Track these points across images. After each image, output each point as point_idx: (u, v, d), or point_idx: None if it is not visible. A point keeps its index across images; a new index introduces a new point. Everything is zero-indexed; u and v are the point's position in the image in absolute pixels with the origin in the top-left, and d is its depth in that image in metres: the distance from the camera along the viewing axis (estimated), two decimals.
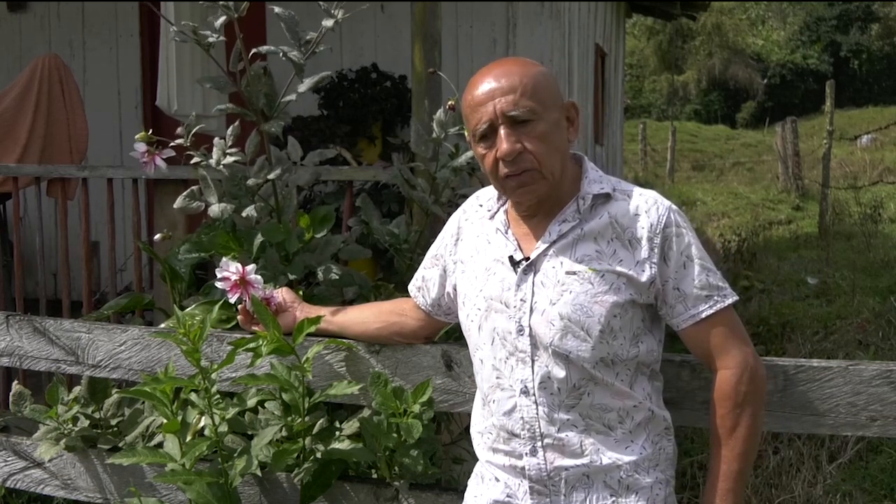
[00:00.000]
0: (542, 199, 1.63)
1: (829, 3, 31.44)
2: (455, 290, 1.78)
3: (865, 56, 30.38)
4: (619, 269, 1.57)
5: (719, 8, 29.33)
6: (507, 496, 1.65)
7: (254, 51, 2.20)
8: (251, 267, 1.95)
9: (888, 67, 30.00)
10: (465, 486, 1.78)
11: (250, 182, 2.27)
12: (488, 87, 1.58)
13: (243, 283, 1.94)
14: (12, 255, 4.52)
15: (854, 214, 11.02)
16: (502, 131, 1.57)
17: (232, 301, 1.96)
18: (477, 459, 1.75)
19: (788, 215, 12.71)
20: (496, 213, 1.71)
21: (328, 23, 2.25)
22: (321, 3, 2.29)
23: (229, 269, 1.94)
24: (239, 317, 2.04)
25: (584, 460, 1.58)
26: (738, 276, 7.96)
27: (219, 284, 1.95)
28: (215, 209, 2.25)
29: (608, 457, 1.58)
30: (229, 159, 2.26)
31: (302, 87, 2.24)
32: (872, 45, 30.46)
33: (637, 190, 1.64)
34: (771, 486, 4.21)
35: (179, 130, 2.25)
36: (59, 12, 6.55)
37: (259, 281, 1.95)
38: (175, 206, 2.31)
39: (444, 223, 1.87)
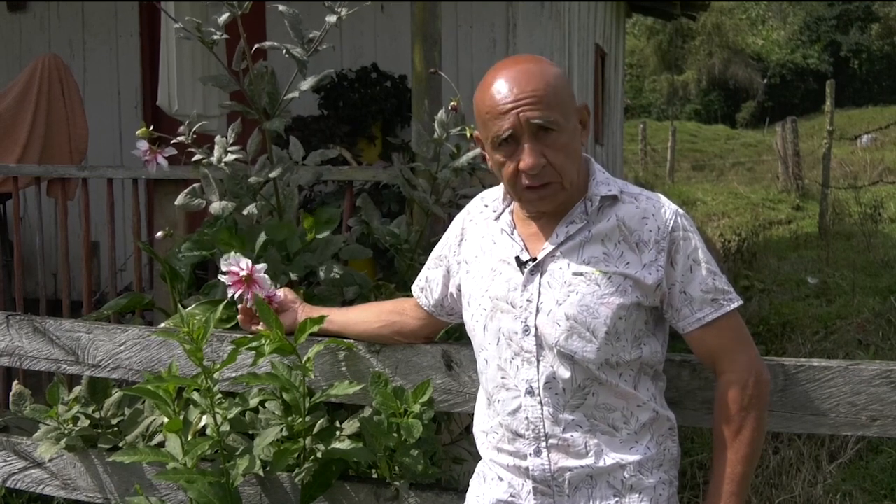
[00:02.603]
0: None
1: (829, 3, 31.44)
2: (458, 290, 1.78)
3: (865, 56, 30.39)
4: (625, 271, 1.57)
5: (719, 8, 29.33)
6: (511, 496, 1.65)
7: (256, 46, 2.20)
8: (261, 266, 1.94)
9: (888, 67, 30.00)
10: (466, 485, 1.78)
11: (252, 180, 2.27)
12: (511, 93, 1.53)
13: (249, 280, 1.92)
14: (12, 255, 4.52)
15: (854, 214, 11.02)
16: (527, 144, 1.54)
17: (234, 296, 1.95)
18: (477, 459, 1.75)
19: (788, 215, 12.71)
20: (501, 213, 1.71)
21: (331, 18, 2.24)
22: (323, 0, 2.29)
23: (238, 265, 1.92)
24: (239, 316, 2.03)
25: (589, 461, 1.58)
26: (738, 275, 7.97)
27: (223, 278, 1.93)
28: (216, 206, 2.25)
29: (612, 457, 1.58)
30: (230, 157, 2.26)
31: (304, 85, 2.24)
32: (872, 45, 30.46)
33: (645, 193, 1.65)
34: (771, 485, 4.22)
35: (181, 129, 2.25)
36: (58, 12, 6.54)
37: (266, 281, 1.94)
38: (176, 203, 2.31)
39: (445, 223, 1.87)
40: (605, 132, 9.27)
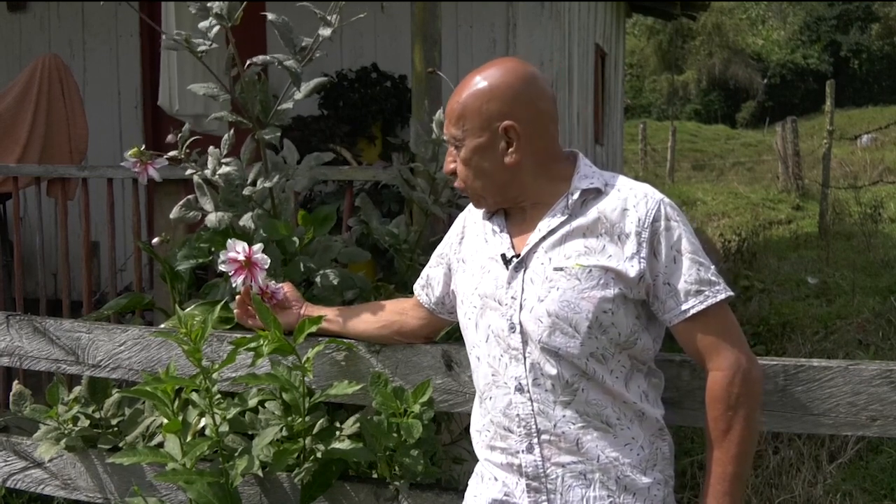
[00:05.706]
0: (504, 208, 1.70)
1: (829, 3, 31.44)
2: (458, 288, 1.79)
3: (865, 56, 30.38)
4: (606, 264, 1.56)
5: (719, 8, 29.32)
6: (505, 495, 1.65)
7: (249, 61, 2.17)
8: (258, 246, 1.93)
9: (888, 67, 29.99)
10: (466, 485, 1.79)
11: (246, 192, 2.26)
12: None
13: (249, 264, 1.92)
14: (12, 255, 4.52)
15: (854, 214, 11.02)
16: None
17: (235, 284, 1.94)
18: (477, 459, 1.75)
19: (788, 215, 12.70)
20: (495, 211, 1.72)
21: (325, 32, 2.22)
22: (318, 9, 2.27)
23: (235, 249, 1.92)
24: (235, 311, 2.03)
25: (581, 457, 1.58)
26: (738, 275, 7.97)
27: (223, 266, 1.92)
28: (212, 219, 2.23)
29: (606, 455, 1.58)
30: (224, 169, 2.25)
31: (299, 95, 2.22)
32: (872, 45, 30.45)
33: (629, 184, 1.64)
34: (771, 485, 4.22)
35: (170, 138, 2.24)
36: (59, 12, 6.55)
37: (265, 261, 1.93)
38: (171, 216, 2.30)
39: (444, 223, 1.88)
40: (605, 132, 9.27)
